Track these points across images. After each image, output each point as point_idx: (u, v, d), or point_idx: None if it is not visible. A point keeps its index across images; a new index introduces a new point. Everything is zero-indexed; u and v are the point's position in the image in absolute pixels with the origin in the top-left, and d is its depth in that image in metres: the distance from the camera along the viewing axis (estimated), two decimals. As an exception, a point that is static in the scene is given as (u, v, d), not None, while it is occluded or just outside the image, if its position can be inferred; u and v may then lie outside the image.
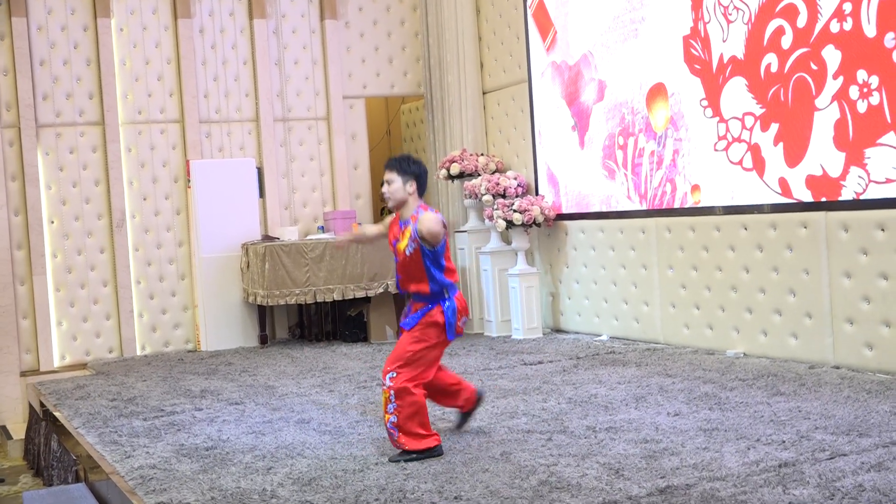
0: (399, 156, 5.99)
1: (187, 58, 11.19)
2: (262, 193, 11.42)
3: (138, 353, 10.92)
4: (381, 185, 5.92)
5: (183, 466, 5.77)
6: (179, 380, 8.94)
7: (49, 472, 8.17)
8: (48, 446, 8.31)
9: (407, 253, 5.74)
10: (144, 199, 11.04)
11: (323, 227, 11.47)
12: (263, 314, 10.91)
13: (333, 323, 11.09)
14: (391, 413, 5.61)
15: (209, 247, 10.85)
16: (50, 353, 10.56)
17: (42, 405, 8.74)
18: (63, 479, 7.47)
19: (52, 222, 10.71)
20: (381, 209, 12.72)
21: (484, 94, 11.51)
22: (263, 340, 10.89)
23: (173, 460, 5.93)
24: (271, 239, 10.93)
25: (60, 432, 7.75)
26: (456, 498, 4.78)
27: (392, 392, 5.60)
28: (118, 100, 10.96)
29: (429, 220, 5.66)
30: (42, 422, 8.72)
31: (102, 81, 10.85)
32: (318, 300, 10.41)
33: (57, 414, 7.88)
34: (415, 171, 5.84)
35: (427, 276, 5.74)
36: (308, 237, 10.95)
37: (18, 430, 9.96)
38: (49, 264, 10.66)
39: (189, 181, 10.96)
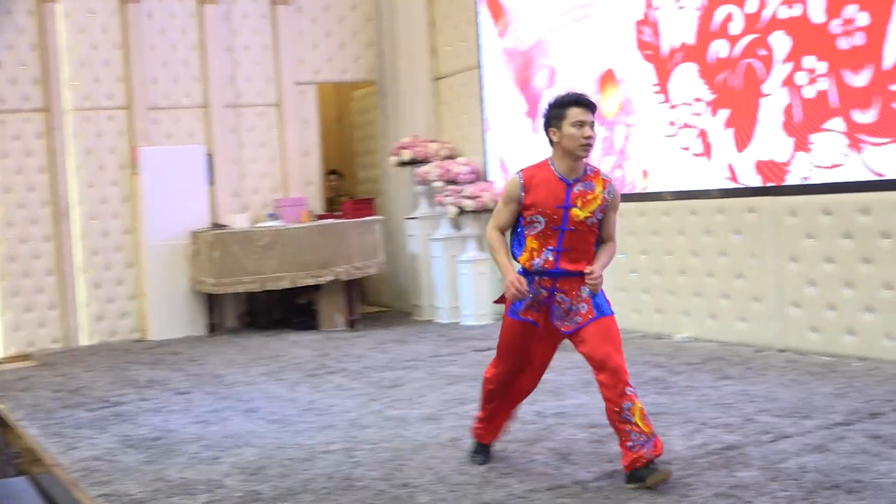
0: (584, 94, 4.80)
1: (135, 43, 11.01)
2: (211, 180, 11.29)
3: (84, 342, 10.75)
4: (583, 126, 4.64)
5: (128, 458, 5.69)
6: (126, 369, 8.82)
7: (-8, 465, 8.04)
8: (-9, 438, 8.17)
9: (589, 223, 4.64)
10: (91, 187, 10.86)
11: (273, 214, 11.37)
12: (212, 302, 10.80)
13: (283, 311, 11.01)
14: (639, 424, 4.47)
15: (157, 235, 10.72)
16: (-7, 343, 10.39)
17: (-15, 396, 8.59)
18: (4, 472, 7.34)
19: (-4, 210, 10.52)
20: (328, 199, 12.61)
21: (436, 80, 11.45)
22: (212, 329, 10.78)
23: (118, 451, 5.84)
24: (221, 226, 10.82)
25: (1, 424, 7.62)
26: (404, 485, 4.75)
27: (635, 395, 4.50)
28: (64, 85, 10.77)
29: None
30: (-15, 413, 8.57)
31: (48, 67, 10.65)
32: (268, 288, 10.32)
33: None
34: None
35: (592, 251, 4.76)
36: (258, 224, 10.85)
37: (-38, 422, 9.80)
38: (-7, 253, 10.48)
39: (137, 168, 10.81)
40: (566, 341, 4.78)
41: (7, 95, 10.56)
